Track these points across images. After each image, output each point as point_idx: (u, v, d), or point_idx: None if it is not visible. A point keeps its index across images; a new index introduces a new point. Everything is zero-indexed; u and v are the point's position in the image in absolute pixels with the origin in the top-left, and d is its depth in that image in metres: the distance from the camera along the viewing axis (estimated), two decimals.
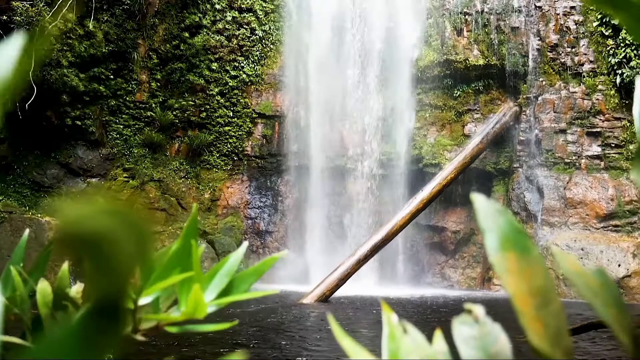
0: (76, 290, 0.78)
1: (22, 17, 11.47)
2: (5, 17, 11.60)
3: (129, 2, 13.95)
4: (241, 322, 6.56)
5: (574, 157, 12.84)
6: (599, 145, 12.79)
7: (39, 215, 11.93)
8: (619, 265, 11.20)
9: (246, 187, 15.12)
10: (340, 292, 10.39)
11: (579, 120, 12.94)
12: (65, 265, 0.80)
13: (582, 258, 11.47)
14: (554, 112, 13.03)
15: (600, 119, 12.83)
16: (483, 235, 0.37)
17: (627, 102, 12.71)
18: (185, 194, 14.63)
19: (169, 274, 0.68)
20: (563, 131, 12.98)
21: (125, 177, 14.14)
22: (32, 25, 11.69)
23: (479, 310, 0.38)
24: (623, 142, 12.67)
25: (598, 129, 12.81)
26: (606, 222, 12.21)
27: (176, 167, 14.81)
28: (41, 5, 11.63)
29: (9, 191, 13.17)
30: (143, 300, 0.66)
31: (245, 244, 0.81)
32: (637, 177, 0.43)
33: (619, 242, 11.70)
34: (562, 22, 13.20)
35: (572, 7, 13.21)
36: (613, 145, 12.71)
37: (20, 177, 13.61)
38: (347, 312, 8.71)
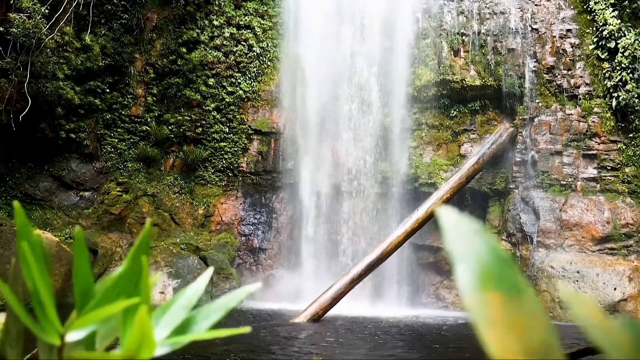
0: None
1: (19, 30, 11.42)
2: (2, 29, 11.56)
3: (126, 16, 13.95)
4: (229, 341, 6.41)
5: (569, 179, 12.78)
6: (594, 168, 12.75)
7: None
8: (615, 289, 11.07)
9: (240, 204, 14.98)
10: (333, 312, 10.23)
11: (574, 143, 12.91)
12: None
13: (577, 281, 11.34)
14: (550, 134, 13.01)
15: (596, 142, 12.82)
16: (453, 264, 0.25)
17: (622, 125, 12.70)
18: (178, 209, 14.48)
19: (110, 302, 0.56)
20: (559, 153, 12.94)
21: (118, 191, 13.98)
22: (29, 37, 11.64)
23: None
24: (619, 165, 12.63)
25: (594, 152, 12.78)
26: (602, 245, 12.12)
27: (170, 182, 14.68)
28: (38, 17, 11.59)
29: (0, 203, 13.00)
30: (73, 335, 0.55)
31: (210, 270, 0.69)
32: None
33: (614, 265, 11.59)
34: (559, 45, 13.25)
35: (569, 30, 13.28)
36: (609, 167, 12.67)
37: (12, 189, 13.45)
38: (339, 332, 8.55)
